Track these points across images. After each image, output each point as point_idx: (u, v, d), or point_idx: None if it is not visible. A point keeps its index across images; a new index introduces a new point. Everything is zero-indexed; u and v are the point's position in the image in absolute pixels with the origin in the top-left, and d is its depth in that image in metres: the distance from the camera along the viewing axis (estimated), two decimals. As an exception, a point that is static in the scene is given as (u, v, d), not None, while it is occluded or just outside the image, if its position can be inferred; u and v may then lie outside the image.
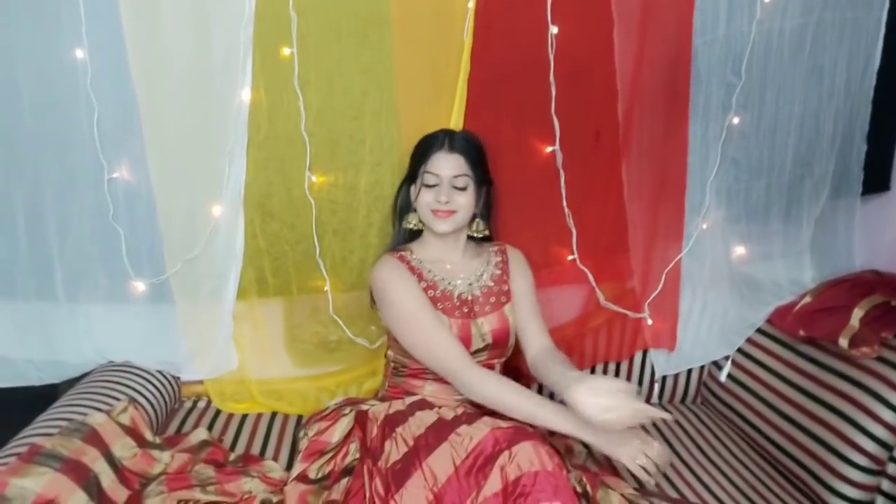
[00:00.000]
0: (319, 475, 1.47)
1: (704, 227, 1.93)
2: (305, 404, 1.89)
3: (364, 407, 1.60)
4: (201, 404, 1.92)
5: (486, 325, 1.56)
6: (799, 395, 1.69)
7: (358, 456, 1.47)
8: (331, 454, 1.50)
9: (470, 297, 1.58)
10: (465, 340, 1.52)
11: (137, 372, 1.79)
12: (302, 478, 1.45)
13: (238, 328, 1.85)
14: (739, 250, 1.98)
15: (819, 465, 1.57)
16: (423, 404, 1.47)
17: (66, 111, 1.65)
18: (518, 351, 1.66)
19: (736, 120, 1.84)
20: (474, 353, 1.54)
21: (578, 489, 1.42)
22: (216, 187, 1.73)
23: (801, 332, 1.71)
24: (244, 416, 1.87)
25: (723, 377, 1.97)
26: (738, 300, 1.99)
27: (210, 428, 1.77)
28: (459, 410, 1.45)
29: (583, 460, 1.56)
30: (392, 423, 1.41)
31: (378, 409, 1.52)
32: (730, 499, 1.57)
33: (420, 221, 1.61)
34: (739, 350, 1.96)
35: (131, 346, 1.81)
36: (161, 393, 1.78)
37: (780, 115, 1.86)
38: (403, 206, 1.64)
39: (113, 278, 1.77)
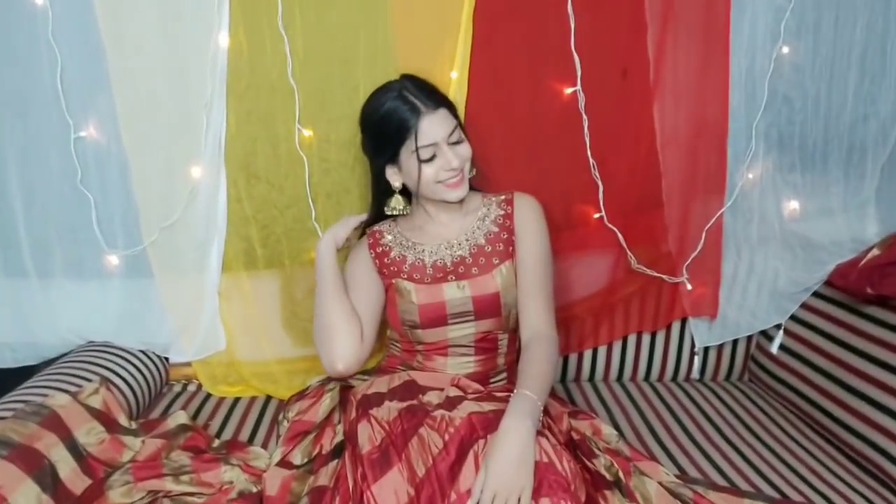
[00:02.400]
0: (305, 460, 1.28)
1: (750, 177, 1.70)
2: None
3: (350, 382, 1.44)
4: (191, 388, 1.76)
5: (467, 289, 1.37)
6: (866, 363, 1.46)
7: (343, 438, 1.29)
8: (314, 435, 1.32)
9: (451, 260, 1.39)
10: (437, 307, 1.36)
11: (117, 352, 1.63)
12: (284, 464, 1.28)
13: (225, 305, 1.68)
14: (792, 204, 1.74)
15: (891, 442, 1.35)
16: (406, 391, 1.29)
17: (26, 63, 1.51)
18: None
19: (786, 50, 1.62)
20: (454, 320, 1.37)
21: (608, 476, 1.23)
22: (194, 146, 1.56)
23: (869, 290, 1.48)
24: (236, 400, 1.70)
25: (774, 348, 1.73)
26: (790, 261, 1.74)
27: (197, 413, 1.61)
28: (447, 395, 1.27)
29: (614, 443, 1.34)
30: (367, 404, 1.26)
31: (359, 388, 1.36)
32: (786, 484, 1.34)
33: (406, 205, 1.43)
34: (792, 317, 1.73)
35: (110, 325, 1.66)
36: (144, 375, 1.62)
37: (839, 44, 1.63)
38: (382, 189, 1.45)
39: (85, 250, 1.62)
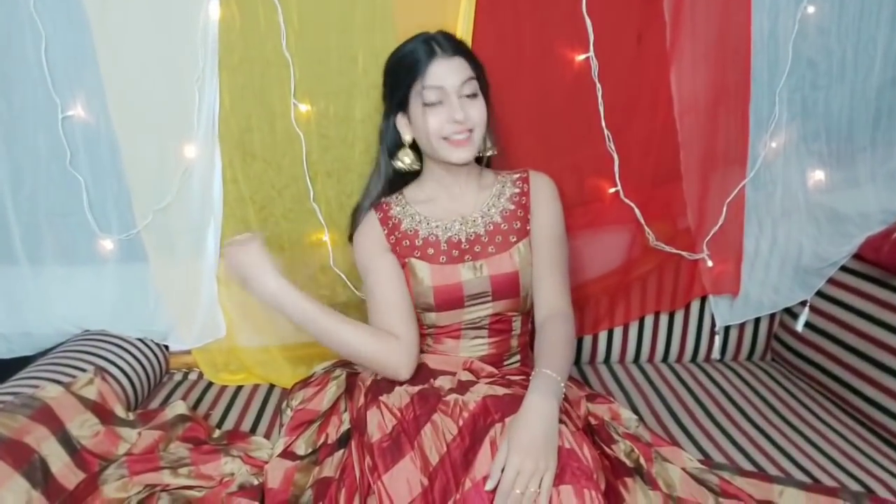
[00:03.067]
0: (309, 450, 1.22)
1: (774, 146, 1.61)
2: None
3: (357, 368, 1.36)
4: (192, 376, 1.70)
5: (484, 269, 1.28)
6: (898, 339, 1.38)
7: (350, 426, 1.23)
8: (319, 424, 1.26)
9: (466, 238, 1.30)
10: (453, 289, 1.27)
11: (114, 341, 1.57)
12: (287, 454, 1.21)
13: (224, 290, 1.61)
14: (817, 175, 1.65)
15: (928, 423, 1.27)
16: (417, 376, 1.22)
17: (8, 40, 1.44)
18: None
19: (811, 9, 1.53)
20: (470, 302, 1.28)
21: (629, 463, 1.16)
22: (187, 124, 1.50)
23: (905, 263, 1.39)
24: (238, 389, 1.63)
25: (799, 326, 1.65)
26: (815, 235, 1.66)
27: (198, 403, 1.55)
28: (459, 378, 1.20)
29: (633, 428, 1.27)
30: (377, 390, 1.19)
31: (367, 374, 1.28)
32: (817, 467, 1.27)
33: (415, 160, 1.32)
34: (818, 293, 1.65)
35: (105, 312, 1.60)
36: (142, 364, 1.56)
37: (867, 3, 1.54)
38: (391, 143, 1.34)
39: (77, 235, 1.56)
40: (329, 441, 1.25)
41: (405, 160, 1.31)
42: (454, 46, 1.23)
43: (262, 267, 1.15)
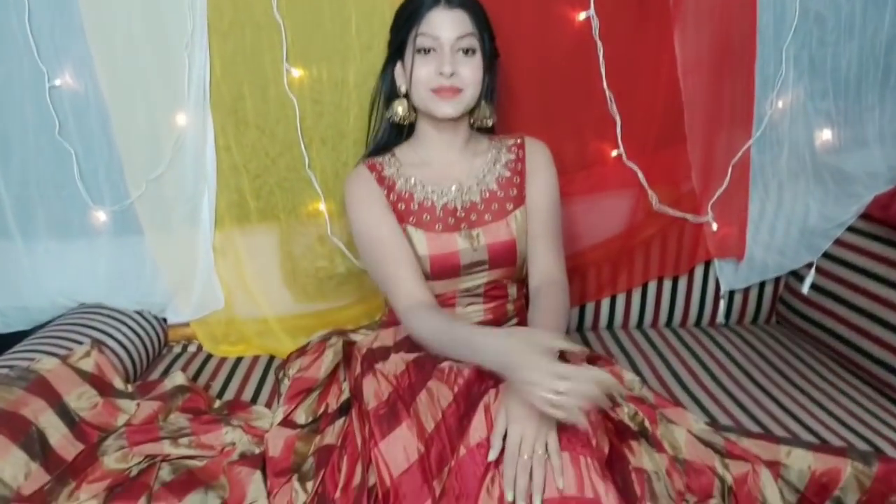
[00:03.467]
0: (309, 419, 1.21)
1: (780, 105, 1.58)
2: (309, 344, 1.63)
3: (354, 337, 1.34)
4: (191, 348, 1.68)
5: (481, 237, 1.25)
6: (907, 299, 1.36)
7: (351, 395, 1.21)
8: (318, 392, 1.25)
9: (461, 205, 1.27)
10: (449, 258, 1.24)
11: (111, 313, 1.55)
12: (287, 423, 1.20)
13: (221, 261, 1.59)
14: (824, 134, 1.62)
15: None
16: (414, 343, 1.19)
17: (-11, 7, 1.39)
18: None
19: (819, -39, 1.47)
20: (466, 270, 1.26)
21: (633, 426, 1.15)
22: (177, 91, 1.46)
23: (914, 220, 1.36)
24: (238, 361, 1.62)
25: (805, 289, 1.63)
26: (821, 196, 1.63)
27: (198, 375, 1.53)
28: None
29: (637, 390, 1.26)
30: (372, 358, 1.18)
31: (364, 342, 1.27)
32: (824, 428, 1.26)
33: (409, 110, 1.27)
34: (824, 254, 1.63)
35: (101, 286, 1.57)
36: (140, 336, 1.55)
37: None
38: (388, 93, 1.30)
39: (69, 207, 1.53)
40: (329, 410, 1.24)
41: (398, 110, 1.26)
42: (461, 0, 1.18)
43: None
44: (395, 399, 1.08)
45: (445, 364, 1.07)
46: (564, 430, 0.94)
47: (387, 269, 1.22)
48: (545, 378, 0.87)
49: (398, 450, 1.01)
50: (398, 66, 1.25)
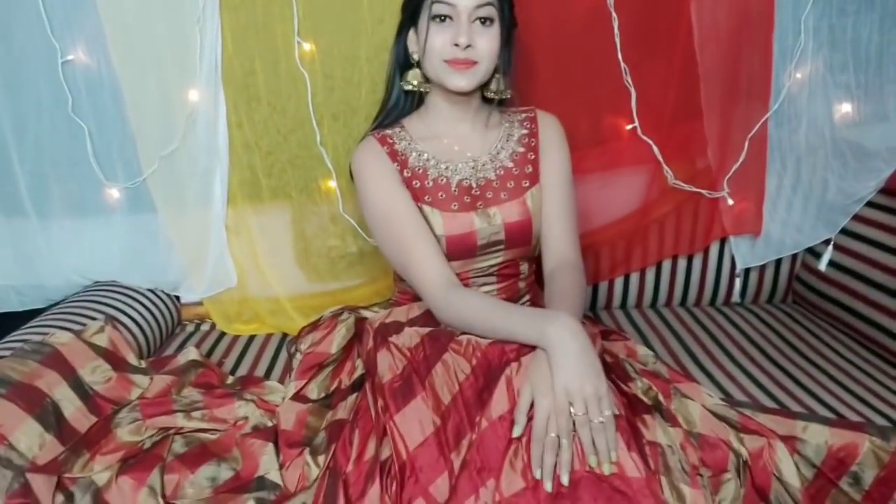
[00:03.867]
0: (322, 395, 1.21)
1: (798, 76, 1.54)
2: (322, 323, 1.63)
3: (365, 314, 1.33)
4: (205, 327, 1.69)
5: (498, 216, 1.23)
6: (929, 274, 1.33)
7: (364, 371, 1.21)
8: (331, 368, 1.24)
9: (476, 183, 1.24)
10: (466, 238, 1.21)
11: (125, 291, 1.56)
12: (299, 397, 1.20)
13: (234, 239, 1.59)
14: (843, 108, 1.58)
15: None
16: (428, 319, 1.19)
17: (3, -17, 1.38)
18: None
19: (840, -72, 1.43)
20: (483, 251, 1.24)
21: (646, 400, 1.13)
22: (189, 67, 1.46)
23: (937, 194, 1.33)
24: (251, 339, 1.62)
25: (822, 265, 1.61)
26: (840, 171, 1.60)
27: (211, 351, 1.54)
28: None
29: (651, 364, 1.24)
30: (385, 332, 1.15)
31: (375, 318, 1.24)
32: (842, 404, 1.24)
33: (423, 81, 1.23)
34: (841, 230, 1.60)
35: (115, 263, 1.58)
36: (154, 314, 1.55)
37: None
38: (402, 61, 1.26)
39: (84, 185, 1.53)
40: (342, 386, 1.23)
41: (413, 81, 1.22)
42: None
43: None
44: (409, 372, 1.06)
45: (463, 337, 1.05)
46: None
47: (407, 247, 1.18)
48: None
49: (413, 422, 1.00)
50: (411, 32, 1.21)
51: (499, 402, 0.95)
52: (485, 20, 1.14)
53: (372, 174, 1.22)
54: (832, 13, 1.50)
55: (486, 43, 1.15)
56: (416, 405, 1.02)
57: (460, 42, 1.12)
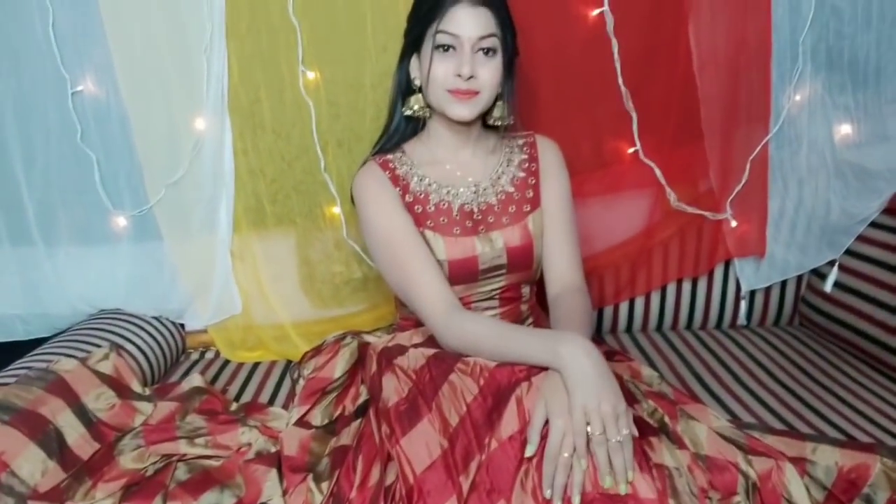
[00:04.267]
0: (325, 421, 1.20)
1: (797, 98, 1.56)
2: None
3: (368, 339, 1.32)
4: (209, 355, 1.68)
5: (500, 241, 1.24)
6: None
7: (368, 397, 1.20)
8: (335, 394, 1.23)
9: (478, 208, 1.25)
10: (469, 262, 1.21)
11: (130, 319, 1.57)
12: (302, 423, 1.19)
13: (239, 266, 1.60)
14: (844, 129, 1.59)
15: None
16: (432, 343, 1.18)
17: (15, 14, 1.43)
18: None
19: (833, -48, 1.46)
20: (485, 275, 1.24)
21: (652, 422, 1.12)
22: (196, 95, 1.48)
23: (940, 212, 1.33)
24: (255, 365, 1.62)
25: (828, 287, 1.60)
26: (842, 191, 1.60)
27: (216, 378, 1.54)
28: None
29: (656, 385, 1.23)
30: (390, 355, 1.14)
31: (379, 343, 1.23)
32: (852, 425, 1.23)
33: (424, 107, 1.23)
34: (846, 251, 1.59)
35: (120, 291, 1.59)
36: (158, 342, 1.55)
37: None
38: (404, 86, 1.27)
39: (90, 212, 1.55)
40: (346, 413, 1.22)
41: (414, 106, 1.23)
42: None
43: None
44: (415, 394, 1.05)
45: (470, 358, 1.04)
46: None
47: (408, 271, 1.17)
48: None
49: (420, 446, 0.99)
50: (414, 58, 1.22)
51: (509, 423, 0.94)
52: (487, 51, 1.15)
53: (373, 198, 1.22)
54: (829, 35, 1.52)
55: (489, 73, 1.15)
56: (422, 428, 1.01)
57: (463, 73, 1.13)
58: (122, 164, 1.52)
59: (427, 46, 1.16)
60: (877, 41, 1.52)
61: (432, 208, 1.23)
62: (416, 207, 1.23)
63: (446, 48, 1.15)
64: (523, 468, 0.90)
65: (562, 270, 1.25)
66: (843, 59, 1.53)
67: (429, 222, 1.22)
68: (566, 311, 1.19)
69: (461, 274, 1.22)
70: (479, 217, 1.24)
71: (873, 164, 1.57)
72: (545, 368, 0.98)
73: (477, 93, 1.16)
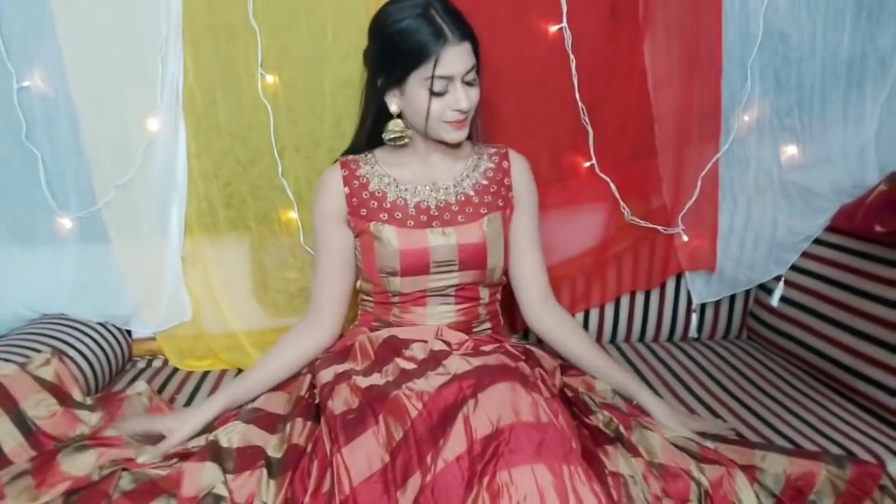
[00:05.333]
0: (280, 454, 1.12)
1: (746, 119, 1.61)
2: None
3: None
4: (157, 363, 1.63)
5: (453, 237, 1.27)
6: (873, 304, 1.39)
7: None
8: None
9: (435, 205, 1.29)
10: (420, 254, 1.26)
11: (74, 324, 1.50)
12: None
13: (190, 271, 1.56)
14: (790, 150, 1.65)
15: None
16: (388, 349, 1.19)
17: (-43, 7, 1.36)
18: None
19: (781, -19, 1.52)
20: (438, 269, 1.27)
21: (608, 432, 1.13)
22: (150, 96, 1.45)
23: (878, 228, 1.40)
24: (204, 375, 1.57)
25: (774, 301, 1.65)
26: (788, 210, 1.66)
27: (163, 388, 1.48)
28: (431, 348, 1.18)
29: (610, 398, 1.25)
30: (341, 378, 1.16)
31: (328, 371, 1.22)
32: (798, 434, 1.26)
33: (405, 129, 1.26)
34: (792, 266, 1.65)
35: (64, 296, 1.53)
36: (104, 349, 1.50)
37: None
38: (378, 114, 1.28)
39: (34, 214, 1.49)
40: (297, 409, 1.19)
41: (396, 130, 1.25)
42: (460, 27, 1.17)
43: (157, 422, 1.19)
44: (364, 405, 1.06)
45: (417, 384, 1.05)
46: (545, 440, 0.89)
47: (317, 271, 1.32)
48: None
49: (361, 457, 0.99)
50: (391, 91, 1.23)
51: (456, 442, 0.92)
52: (471, 81, 1.21)
53: (321, 200, 1.30)
54: (777, 60, 1.57)
55: (475, 97, 1.23)
56: (365, 439, 1.01)
57: (462, 108, 1.19)
58: (69, 163, 1.47)
59: (416, 86, 1.19)
60: (821, 67, 1.58)
61: (388, 204, 1.27)
62: (371, 203, 1.27)
63: (441, 92, 1.18)
64: (473, 491, 0.87)
65: (537, 283, 1.35)
66: (790, 82, 1.59)
67: (383, 216, 1.27)
68: (593, 346, 1.34)
69: (413, 265, 1.26)
70: (436, 213, 1.28)
71: (817, 184, 1.63)
72: (496, 381, 0.98)
73: (467, 117, 1.23)
